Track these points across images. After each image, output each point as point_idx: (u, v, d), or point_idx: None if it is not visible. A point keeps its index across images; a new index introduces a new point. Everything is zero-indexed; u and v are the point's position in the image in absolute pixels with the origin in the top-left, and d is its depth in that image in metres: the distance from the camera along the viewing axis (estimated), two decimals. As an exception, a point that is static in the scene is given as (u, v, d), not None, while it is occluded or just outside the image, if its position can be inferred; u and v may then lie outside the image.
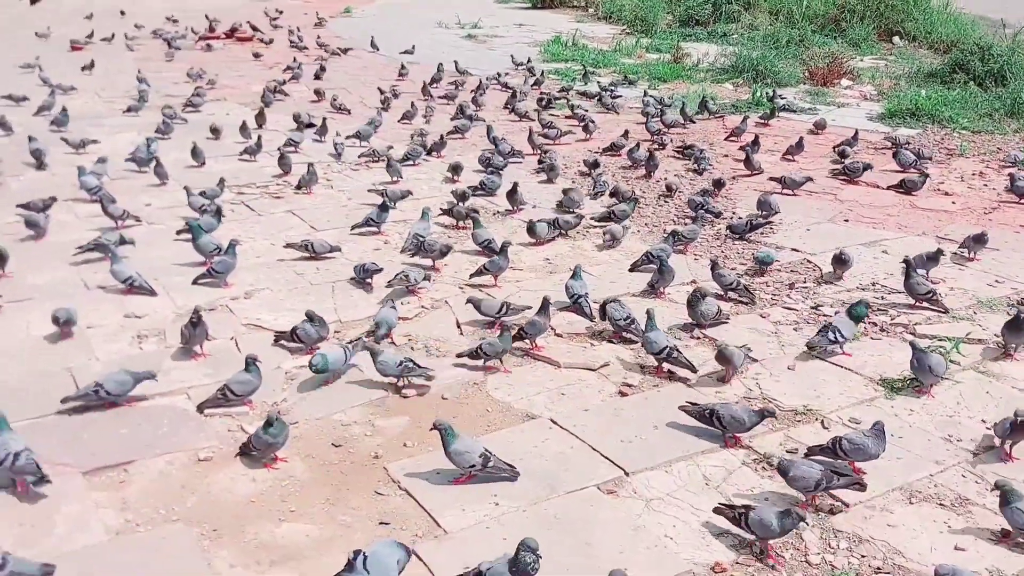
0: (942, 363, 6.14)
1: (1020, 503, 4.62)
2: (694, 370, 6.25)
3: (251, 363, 5.87)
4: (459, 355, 6.48)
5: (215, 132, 12.17)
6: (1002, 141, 12.70)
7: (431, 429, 5.18)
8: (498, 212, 9.74)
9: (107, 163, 10.54)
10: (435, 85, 15.70)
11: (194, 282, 7.63)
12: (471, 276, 7.84)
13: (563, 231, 8.96)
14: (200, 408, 5.83)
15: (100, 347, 6.62)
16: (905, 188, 10.35)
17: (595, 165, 10.94)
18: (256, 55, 19.00)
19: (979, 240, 8.40)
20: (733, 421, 5.48)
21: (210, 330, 6.55)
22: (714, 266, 7.60)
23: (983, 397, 6.09)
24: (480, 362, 6.40)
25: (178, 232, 8.63)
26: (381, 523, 4.78)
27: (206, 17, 22.53)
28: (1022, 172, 10.73)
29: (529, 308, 7.11)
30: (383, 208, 9.01)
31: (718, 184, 10.25)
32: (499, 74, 16.64)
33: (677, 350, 6.31)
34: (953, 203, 10.18)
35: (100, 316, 7.06)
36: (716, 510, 4.71)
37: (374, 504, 4.95)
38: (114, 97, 14.90)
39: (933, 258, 7.81)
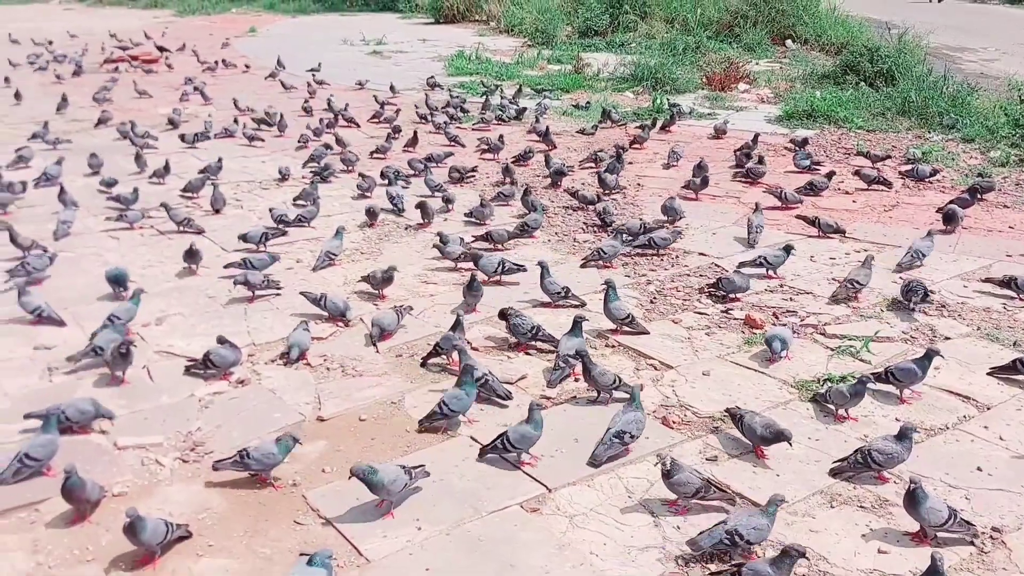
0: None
1: (928, 502, 4.62)
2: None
3: (223, 341, 6.39)
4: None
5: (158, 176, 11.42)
6: (896, 139, 13.03)
7: (349, 478, 5.00)
8: (409, 226, 9.59)
9: (15, 191, 10.24)
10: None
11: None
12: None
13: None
14: (187, 370, 6.41)
15: (8, 381, 6.34)
16: (813, 190, 10.43)
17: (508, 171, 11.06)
18: (148, 72, 19.28)
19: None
20: (749, 430, 5.47)
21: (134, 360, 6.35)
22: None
23: (895, 396, 6.11)
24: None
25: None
26: (302, 554, 4.58)
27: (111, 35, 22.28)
28: (921, 166, 11.08)
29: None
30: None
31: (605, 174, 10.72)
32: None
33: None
34: (854, 202, 10.37)
35: (7, 349, 6.79)
36: None
37: (294, 534, 4.81)
38: (18, 123, 14.46)
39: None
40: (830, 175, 10.68)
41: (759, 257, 8.14)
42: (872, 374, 6.16)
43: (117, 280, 7.70)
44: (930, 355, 6.03)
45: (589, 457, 5.38)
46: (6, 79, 17.85)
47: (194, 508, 5.01)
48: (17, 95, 16.16)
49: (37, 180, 10.77)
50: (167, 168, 11.25)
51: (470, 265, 8.13)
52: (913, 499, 4.63)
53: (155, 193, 10.62)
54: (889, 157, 11.75)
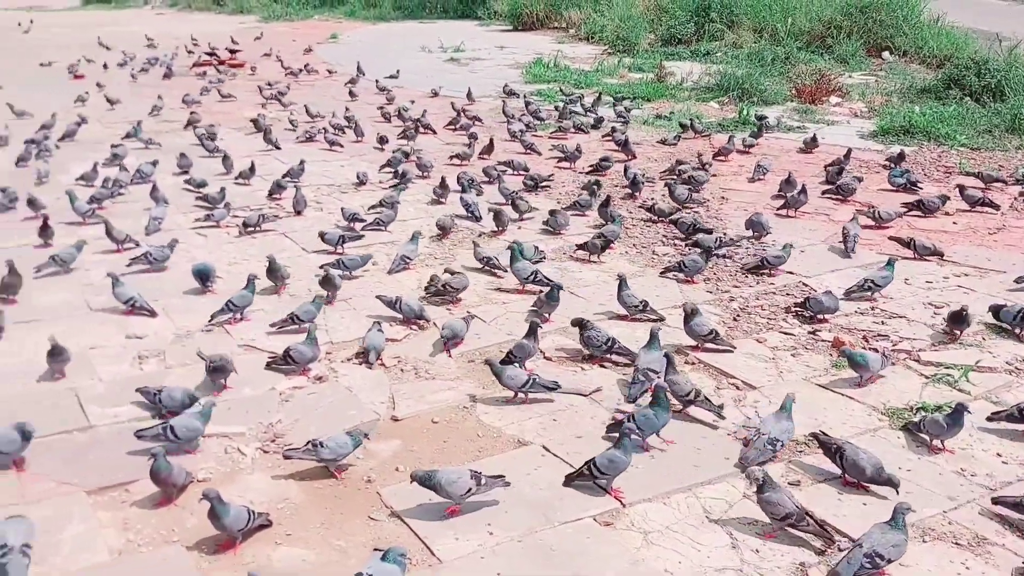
0: None
1: None
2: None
3: (309, 333, 6.57)
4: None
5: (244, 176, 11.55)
6: (1003, 158, 12.32)
7: (411, 483, 4.99)
8: (483, 234, 9.49)
9: (111, 186, 10.67)
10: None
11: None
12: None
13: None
14: (268, 365, 6.53)
15: (102, 368, 6.59)
16: (922, 208, 9.97)
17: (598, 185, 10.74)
18: (233, 76, 19.80)
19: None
20: (854, 467, 5.10)
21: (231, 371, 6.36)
22: None
23: (997, 428, 5.72)
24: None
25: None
26: (375, 549, 4.61)
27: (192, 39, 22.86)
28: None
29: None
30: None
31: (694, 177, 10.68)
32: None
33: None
34: (954, 223, 9.83)
35: (103, 338, 7.10)
36: None
37: (368, 530, 4.90)
38: (113, 122, 14.93)
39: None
40: (944, 199, 10.13)
41: (865, 281, 7.73)
42: (1004, 413, 5.72)
43: (202, 275, 7.93)
44: None
45: (738, 460, 5.35)
46: (98, 84, 18.16)
47: (273, 497, 5.13)
48: (111, 100, 16.58)
49: (131, 177, 11.12)
50: (252, 169, 11.45)
51: (548, 274, 8.03)
52: None
53: (240, 194, 10.80)
54: (1002, 180, 11.10)
